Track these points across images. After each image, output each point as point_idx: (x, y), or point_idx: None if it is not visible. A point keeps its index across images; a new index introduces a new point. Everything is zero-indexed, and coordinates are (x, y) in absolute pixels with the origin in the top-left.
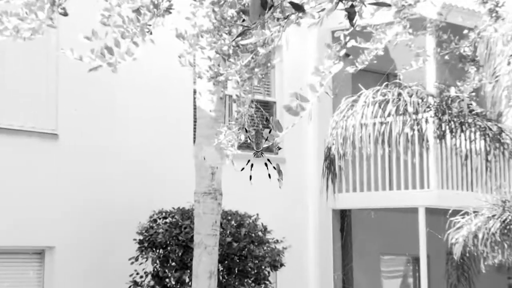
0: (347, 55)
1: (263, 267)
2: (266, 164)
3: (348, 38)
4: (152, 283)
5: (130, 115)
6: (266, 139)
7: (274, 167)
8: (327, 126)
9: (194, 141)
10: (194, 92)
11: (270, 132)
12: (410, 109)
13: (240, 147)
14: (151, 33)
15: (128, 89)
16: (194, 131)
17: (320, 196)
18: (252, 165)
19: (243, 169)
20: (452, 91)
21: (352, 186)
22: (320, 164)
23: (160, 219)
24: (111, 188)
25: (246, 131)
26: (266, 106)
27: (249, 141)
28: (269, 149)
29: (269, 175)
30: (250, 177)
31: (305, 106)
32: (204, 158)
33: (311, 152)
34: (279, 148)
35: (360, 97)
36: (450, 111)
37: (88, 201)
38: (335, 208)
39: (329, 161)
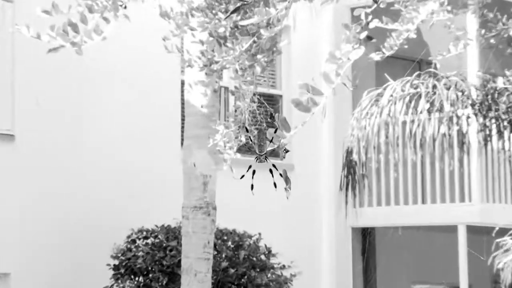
0: (369, 38)
1: None
2: (271, 171)
3: (370, 17)
4: None
5: (102, 112)
6: (271, 141)
7: (280, 174)
8: (346, 125)
9: (182, 144)
10: (182, 83)
11: (275, 132)
12: (447, 105)
13: (239, 150)
14: (125, 7)
15: (100, 80)
16: (182, 131)
17: (337, 211)
18: (254, 172)
19: (243, 176)
20: (499, 82)
21: (376, 199)
22: (337, 172)
23: (140, 239)
24: (79, 201)
25: (247, 130)
26: (271, 101)
27: (250, 142)
28: (274, 153)
29: (274, 184)
30: (252, 186)
31: (318, 100)
32: (194, 165)
33: (325, 157)
34: (286, 151)
35: (386, 90)
36: (497, 107)
37: (51, 217)
38: (355, 225)
39: (349, 168)
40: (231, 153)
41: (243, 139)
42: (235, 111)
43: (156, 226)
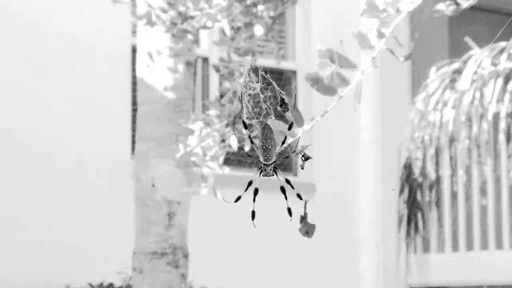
0: None
1: None
2: (282, 190)
3: None
4: None
5: (8, 101)
6: (283, 142)
7: (299, 196)
8: (402, 121)
9: (133, 149)
10: (134, 52)
11: (290, 128)
12: None
13: (230, 161)
14: None
15: (4, 50)
16: (133, 130)
17: (390, 259)
18: (256, 191)
19: (238, 199)
20: None
21: (451, 241)
22: (387, 197)
23: None
24: None
25: (245, 126)
26: (280, 79)
27: (248, 146)
28: (283, 165)
29: (288, 210)
30: (253, 214)
31: (349, 77)
32: (153, 184)
33: (368, 172)
34: (306, 159)
35: (468, 64)
36: None
37: None
38: (418, 284)
39: (409, 192)
40: (215, 167)
41: (234, 143)
42: (221, 97)
43: (91, 285)
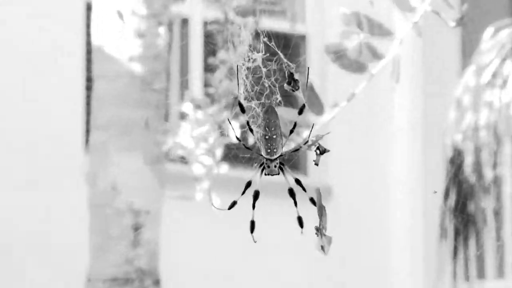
0: None
1: None
2: (291, 193)
3: None
4: None
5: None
6: (292, 130)
7: (312, 201)
8: (447, 102)
9: (87, 141)
10: (88, 10)
11: (301, 112)
12: None
13: (227, 156)
14: None
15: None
16: (87, 115)
17: (430, 285)
18: (256, 195)
19: (233, 205)
20: None
21: None
22: (427, 203)
23: None
24: None
25: (242, 109)
26: (286, 47)
27: (247, 138)
28: (293, 161)
29: (299, 220)
30: (252, 225)
31: (382, 49)
32: (114, 187)
33: (400, 168)
34: (322, 152)
35: None
36: None
37: None
38: None
39: (458, 196)
40: (211, 164)
41: (232, 132)
42: (217, 72)
43: None
